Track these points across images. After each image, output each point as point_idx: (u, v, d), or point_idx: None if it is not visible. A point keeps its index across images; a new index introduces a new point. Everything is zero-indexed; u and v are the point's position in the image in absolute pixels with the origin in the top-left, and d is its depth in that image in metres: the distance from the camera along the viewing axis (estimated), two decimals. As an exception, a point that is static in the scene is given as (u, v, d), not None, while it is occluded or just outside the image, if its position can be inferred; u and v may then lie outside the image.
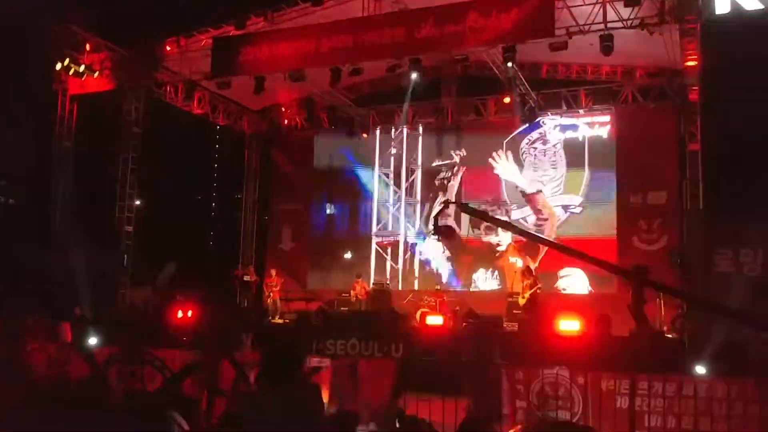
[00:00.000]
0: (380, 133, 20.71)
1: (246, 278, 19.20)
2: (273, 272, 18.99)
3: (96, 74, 17.39)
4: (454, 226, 18.49)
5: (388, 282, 19.30)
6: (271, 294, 18.40)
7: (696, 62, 13.86)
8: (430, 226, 19.16)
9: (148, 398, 6.34)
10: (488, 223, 18.28)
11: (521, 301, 15.67)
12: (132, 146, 18.11)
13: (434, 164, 20.01)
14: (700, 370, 9.74)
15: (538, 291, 15.62)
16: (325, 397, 9.61)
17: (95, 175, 19.20)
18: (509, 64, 15.59)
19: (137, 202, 18.87)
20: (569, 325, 13.00)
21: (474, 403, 9.10)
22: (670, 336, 13.92)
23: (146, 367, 10.18)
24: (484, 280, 18.88)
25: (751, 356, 10.03)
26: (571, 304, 16.20)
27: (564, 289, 17.72)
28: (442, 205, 17.72)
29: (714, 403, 8.16)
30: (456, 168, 19.68)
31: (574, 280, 17.67)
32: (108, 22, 18.24)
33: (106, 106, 18.41)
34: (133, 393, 7.04)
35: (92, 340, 12.91)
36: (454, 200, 18.04)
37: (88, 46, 17.01)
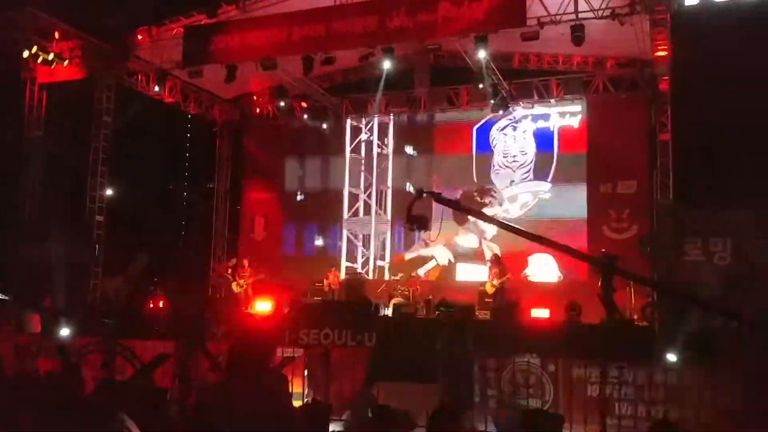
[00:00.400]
0: (352, 122, 20.65)
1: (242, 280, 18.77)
2: (245, 262, 18.90)
3: (66, 63, 17.12)
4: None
5: (361, 271, 19.33)
6: (245, 284, 18.30)
7: (666, 53, 14.00)
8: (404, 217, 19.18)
9: (119, 389, 6.30)
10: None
11: (489, 289, 15.80)
12: (103, 135, 17.88)
13: (407, 153, 20.01)
14: (672, 358, 9.89)
15: (506, 280, 15.77)
16: (298, 386, 9.62)
17: (66, 165, 18.91)
18: (481, 54, 15.61)
19: (109, 192, 18.67)
20: (539, 313, 13.14)
21: (447, 392, 9.17)
22: (640, 324, 14.08)
23: (117, 358, 10.14)
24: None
25: (720, 345, 10.19)
26: (541, 292, 16.35)
27: (533, 276, 17.83)
28: (416, 194, 17.69)
29: (684, 391, 8.30)
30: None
31: (544, 269, 17.80)
32: (78, 10, 17.91)
33: (76, 95, 18.14)
34: (105, 385, 7.00)
35: (63, 331, 12.79)
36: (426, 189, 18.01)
37: (57, 34, 16.74)
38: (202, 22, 17.05)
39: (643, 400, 8.21)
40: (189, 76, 17.95)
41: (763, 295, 10.81)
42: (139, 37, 17.77)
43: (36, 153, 18.43)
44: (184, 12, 17.35)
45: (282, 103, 19.94)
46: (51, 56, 16.65)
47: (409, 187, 19.34)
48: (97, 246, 17.67)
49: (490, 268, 16.24)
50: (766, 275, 11.84)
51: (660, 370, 8.39)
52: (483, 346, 10.27)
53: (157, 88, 18.64)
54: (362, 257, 20.07)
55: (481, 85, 17.32)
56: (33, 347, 11.01)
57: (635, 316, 14.42)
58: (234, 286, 18.19)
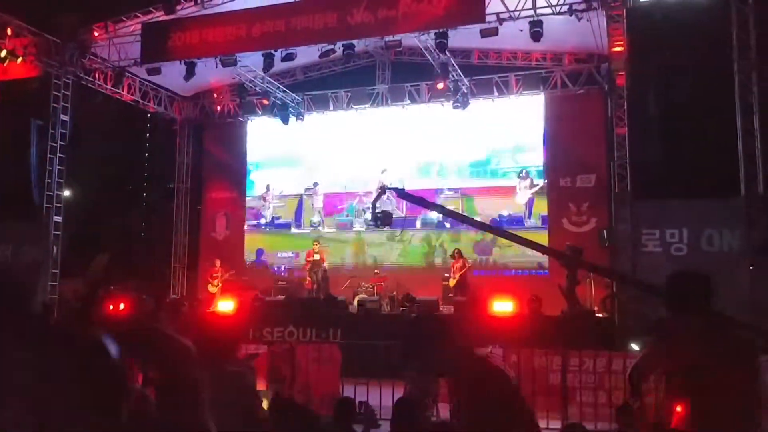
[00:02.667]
0: (314, 118, 20.61)
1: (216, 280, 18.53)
2: (218, 262, 18.76)
3: (19, 60, 16.79)
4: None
5: (325, 269, 19.27)
6: (219, 284, 18.17)
7: (622, 48, 14.23)
8: (368, 214, 19.21)
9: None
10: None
11: (451, 283, 15.96)
12: (60, 134, 17.59)
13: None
14: (635, 346, 10.08)
15: (467, 271, 15.94)
16: (262, 383, 9.59)
17: (21, 165, 18.53)
18: (441, 50, 15.71)
19: (66, 193, 18.38)
20: (502, 306, 13.28)
21: (412, 385, 9.22)
22: (600, 315, 14.34)
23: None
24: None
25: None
26: (503, 285, 16.52)
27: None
28: (379, 190, 17.75)
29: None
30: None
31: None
32: (32, 6, 17.59)
33: (31, 93, 17.78)
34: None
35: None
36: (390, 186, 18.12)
37: (9, 31, 16.38)
38: (160, 19, 16.87)
39: (603, 388, 8.36)
40: (147, 73, 17.75)
41: (717, 283, 11.06)
42: (96, 33, 17.52)
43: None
44: (141, 8, 17.14)
45: (242, 101, 19.81)
46: (3, 53, 16.31)
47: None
48: (54, 247, 17.36)
49: (452, 263, 16.37)
50: (720, 264, 12.14)
51: (619, 358, 8.55)
52: (446, 339, 10.33)
53: (114, 86, 18.41)
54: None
55: (441, 82, 17.42)
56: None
57: (595, 308, 14.68)
58: (209, 287, 18.07)
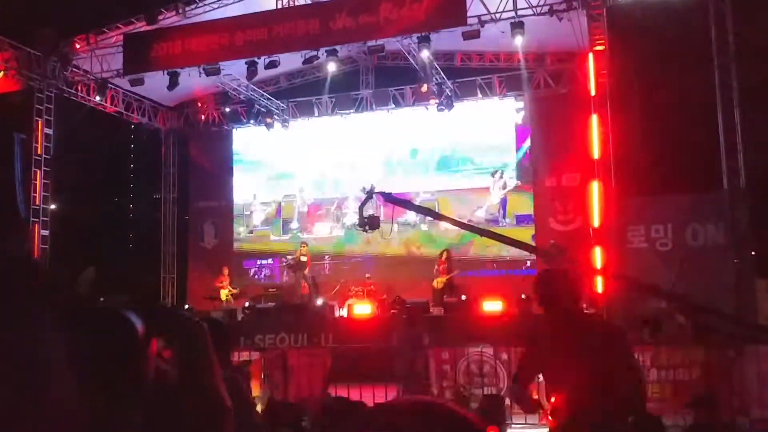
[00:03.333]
0: (299, 125, 20.65)
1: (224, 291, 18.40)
2: (225, 270, 18.67)
3: (0, 74, 16.75)
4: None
5: (314, 276, 19.26)
6: (229, 291, 18.10)
7: (603, 46, 14.38)
8: (355, 219, 19.24)
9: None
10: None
11: (438, 285, 16.02)
12: (44, 148, 17.53)
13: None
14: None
15: (454, 275, 16.00)
16: (256, 389, 9.61)
17: (6, 178, 18.48)
18: (424, 54, 15.80)
19: (52, 206, 18.32)
20: (492, 306, 13.37)
21: (404, 387, 9.28)
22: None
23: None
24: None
25: (664, 325, 10.53)
26: (491, 285, 16.61)
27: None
28: (366, 194, 17.76)
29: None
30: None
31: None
32: (12, 20, 17.56)
33: (14, 106, 17.73)
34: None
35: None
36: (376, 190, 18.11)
37: (-10, 45, 16.37)
38: (142, 29, 16.87)
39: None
40: (130, 84, 17.74)
41: (702, 278, 11.22)
42: (77, 45, 17.51)
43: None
44: (122, 19, 17.13)
45: (227, 109, 19.83)
46: (-15, 68, 16.27)
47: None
48: (42, 261, 17.29)
49: (438, 264, 16.42)
50: (705, 258, 12.28)
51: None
52: (437, 340, 10.41)
53: (98, 98, 18.40)
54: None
55: (425, 86, 17.50)
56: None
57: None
58: (223, 295, 18.02)
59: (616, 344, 3.88)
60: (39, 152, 17.43)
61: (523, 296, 14.05)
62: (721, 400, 7.28)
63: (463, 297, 15.57)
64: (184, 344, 1.11)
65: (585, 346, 3.73)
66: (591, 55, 14.83)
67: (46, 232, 17.48)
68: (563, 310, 3.92)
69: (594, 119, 14.63)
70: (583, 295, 4.09)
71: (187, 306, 18.51)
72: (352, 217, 19.09)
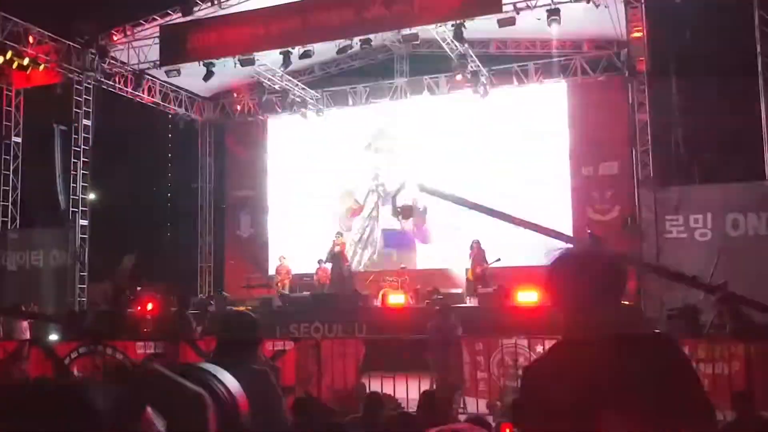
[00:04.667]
0: (333, 114, 20.66)
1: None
2: (283, 260, 18.76)
3: (41, 67, 17.00)
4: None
5: (350, 264, 19.26)
6: (281, 282, 18.21)
7: (641, 33, 14.11)
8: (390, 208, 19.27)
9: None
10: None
11: (471, 276, 15.92)
12: (83, 139, 17.79)
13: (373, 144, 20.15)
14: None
15: (488, 266, 15.85)
16: (291, 379, 9.67)
17: (47, 170, 18.81)
18: (459, 42, 15.66)
19: (92, 196, 18.61)
20: (527, 296, 13.26)
21: (438, 378, 9.26)
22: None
23: (108, 360, 10.15)
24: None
25: (702, 317, 10.35)
26: (528, 275, 16.45)
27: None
28: (400, 185, 17.77)
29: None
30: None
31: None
32: (51, 13, 17.81)
33: (54, 98, 18.03)
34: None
35: (52, 337, 12.78)
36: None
37: (31, 39, 16.60)
38: (178, 20, 16.99)
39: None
40: (167, 75, 17.90)
41: (742, 269, 10.98)
42: (115, 37, 17.71)
43: (16, 159, 18.40)
44: (158, 10, 17.28)
45: (262, 99, 19.92)
46: (26, 61, 16.49)
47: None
48: (82, 250, 17.59)
49: (472, 254, 16.32)
50: (746, 248, 12.02)
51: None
52: (471, 331, 10.37)
53: (135, 89, 18.61)
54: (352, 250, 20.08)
55: (460, 74, 17.38)
56: (23, 353, 10.97)
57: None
58: (274, 285, 18.17)
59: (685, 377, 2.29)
60: (78, 143, 17.68)
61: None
62: (761, 395, 7.13)
63: (497, 287, 15.45)
64: (178, 421, 0.93)
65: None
66: (629, 43, 14.55)
67: (85, 222, 17.75)
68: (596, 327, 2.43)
69: (632, 107, 14.37)
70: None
71: (224, 294, 18.67)
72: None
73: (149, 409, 1.03)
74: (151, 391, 0.96)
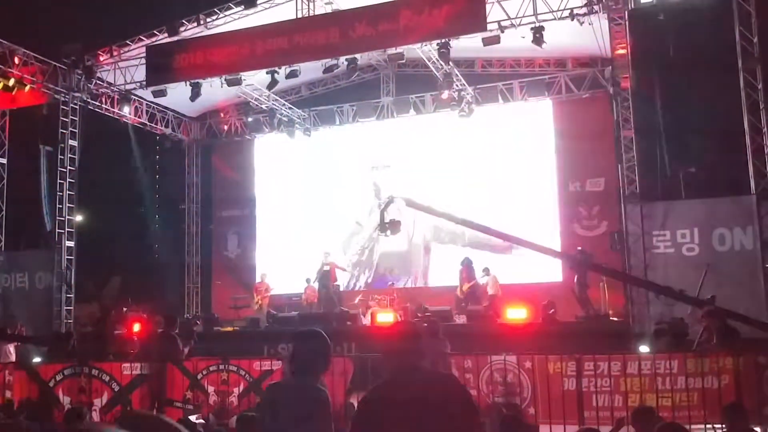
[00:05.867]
0: (321, 133, 20.68)
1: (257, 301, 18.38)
2: (264, 277, 18.73)
3: (27, 88, 16.93)
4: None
5: (337, 284, 19.20)
6: (260, 300, 18.10)
7: (625, 50, 14.21)
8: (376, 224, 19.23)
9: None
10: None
11: (460, 294, 15.93)
12: (69, 159, 17.71)
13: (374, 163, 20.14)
14: (644, 348, 10.00)
15: (475, 283, 15.88)
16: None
17: (33, 191, 18.70)
18: (444, 61, 15.73)
19: (78, 218, 18.50)
20: (516, 313, 13.25)
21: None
22: (614, 319, 14.25)
23: (94, 382, 10.03)
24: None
25: (690, 331, 10.36)
26: (516, 292, 16.46)
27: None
28: (387, 200, 17.74)
29: (658, 378, 8.38)
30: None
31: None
32: (37, 34, 17.82)
33: (39, 119, 17.96)
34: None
35: (36, 359, 12.62)
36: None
37: (16, 59, 16.55)
38: (164, 41, 17.00)
39: (619, 391, 8.29)
40: (153, 95, 17.87)
41: (730, 283, 11.03)
42: (101, 58, 17.70)
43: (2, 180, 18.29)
44: (145, 31, 17.29)
45: (249, 119, 19.92)
46: (12, 82, 16.42)
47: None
48: (68, 272, 17.45)
49: (461, 272, 16.32)
50: (733, 263, 12.08)
51: (634, 360, 8.48)
52: (460, 348, 10.31)
53: (122, 110, 18.58)
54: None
55: (445, 92, 17.45)
56: (6, 377, 10.83)
57: (610, 311, 14.59)
58: (252, 304, 18.08)
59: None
60: (64, 164, 17.60)
61: (547, 303, 13.92)
62: (750, 409, 7.11)
63: (487, 304, 15.46)
64: None
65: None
66: (613, 60, 14.66)
67: (71, 243, 17.63)
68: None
69: (617, 123, 14.44)
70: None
71: (214, 314, 18.57)
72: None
73: None
74: None
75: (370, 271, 19.90)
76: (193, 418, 8.34)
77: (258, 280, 18.79)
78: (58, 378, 10.22)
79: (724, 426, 6.20)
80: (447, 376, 3.57)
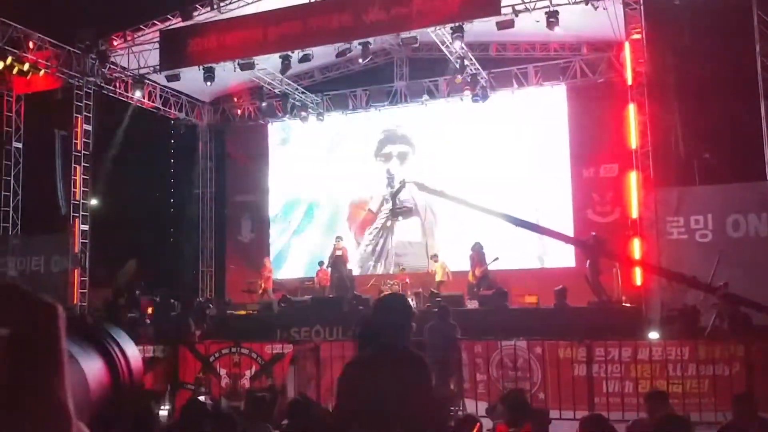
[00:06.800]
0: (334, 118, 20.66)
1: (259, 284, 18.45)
2: (267, 261, 18.85)
3: (42, 72, 17.03)
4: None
5: (350, 268, 19.26)
6: (262, 284, 18.20)
7: (640, 35, 14.09)
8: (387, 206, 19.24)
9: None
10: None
11: (471, 279, 15.92)
12: (83, 144, 17.81)
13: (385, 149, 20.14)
14: (653, 335, 9.98)
15: (486, 268, 15.85)
16: (290, 382, 9.66)
17: (47, 175, 18.85)
18: (458, 45, 15.65)
19: (93, 201, 18.61)
20: (527, 299, 13.25)
21: (437, 379, 9.22)
22: (627, 305, 14.21)
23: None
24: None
25: (703, 318, 10.32)
26: (528, 278, 16.45)
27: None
28: (400, 184, 17.76)
29: (669, 365, 8.38)
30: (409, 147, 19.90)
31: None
32: (51, 19, 17.86)
33: (54, 104, 18.06)
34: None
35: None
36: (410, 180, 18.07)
37: (31, 44, 16.63)
38: (178, 25, 17.02)
39: (629, 377, 8.30)
40: (167, 80, 17.91)
41: (743, 270, 10.95)
42: (115, 42, 17.74)
43: (17, 165, 18.42)
44: (158, 15, 17.30)
45: (263, 104, 19.94)
46: (26, 67, 16.52)
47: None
48: (83, 255, 17.60)
49: (472, 257, 16.30)
50: (747, 249, 11.99)
51: (645, 347, 8.47)
52: (471, 333, 10.34)
53: (136, 94, 18.64)
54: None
55: (459, 77, 17.38)
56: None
57: (623, 297, 14.56)
58: (256, 287, 18.19)
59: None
60: (79, 148, 17.70)
61: (558, 289, 13.89)
62: (762, 396, 7.09)
63: (499, 289, 15.43)
64: (21, 333, 0.83)
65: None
66: (627, 44, 14.54)
67: (86, 227, 17.77)
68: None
69: (631, 109, 14.35)
70: None
71: (229, 299, 18.72)
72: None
73: None
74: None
75: (385, 260, 19.88)
76: (203, 398, 8.43)
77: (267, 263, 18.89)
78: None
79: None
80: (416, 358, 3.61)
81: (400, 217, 10.85)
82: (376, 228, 20.07)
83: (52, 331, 0.87)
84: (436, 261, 17.10)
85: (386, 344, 3.52)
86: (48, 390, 0.83)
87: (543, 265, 17.85)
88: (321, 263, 18.33)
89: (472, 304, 15.12)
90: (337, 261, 17.64)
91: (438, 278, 16.67)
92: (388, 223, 19.69)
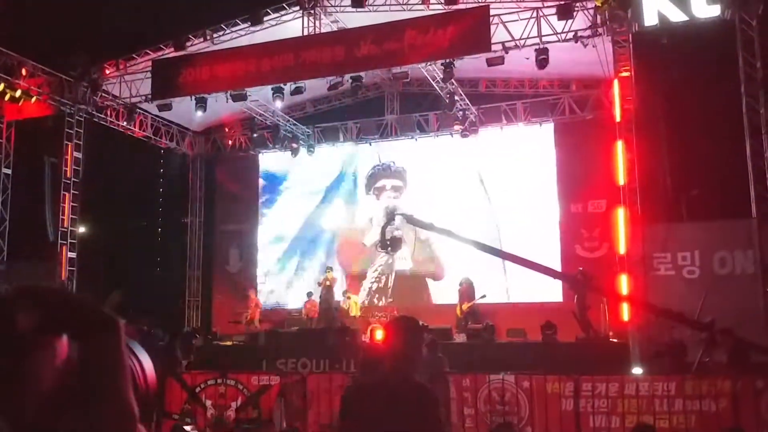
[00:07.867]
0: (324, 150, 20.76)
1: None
2: (251, 293, 18.79)
3: (33, 99, 17.05)
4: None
5: (338, 300, 19.20)
6: (248, 315, 18.10)
7: (629, 73, 14.29)
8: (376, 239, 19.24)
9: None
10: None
11: (459, 313, 15.93)
12: (73, 171, 17.78)
13: (379, 183, 20.19)
14: (637, 370, 9.99)
15: (474, 303, 15.88)
16: (275, 414, 9.58)
17: (35, 203, 18.78)
18: (448, 81, 15.82)
19: (81, 229, 18.54)
20: (515, 333, 13.24)
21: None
22: (614, 340, 14.22)
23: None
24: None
25: (689, 354, 10.34)
26: (516, 312, 16.45)
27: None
28: (388, 216, 17.81)
29: (655, 400, 8.38)
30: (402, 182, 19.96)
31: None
32: (44, 46, 17.94)
33: (44, 131, 18.06)
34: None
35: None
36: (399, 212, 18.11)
37: (24, 71, 16.68)
38: (171, 55, 17.13)
39: (616, 412, 8.29)
40: (158, 109, 17.97)
41: (730, 306, 11.00)
42: (107, 70, 17.82)
43: (5, 191, 18.34)
44: (151, 45, 17.42)
45: (254, 135, 20.01)
46: (18, 93, 16.54)
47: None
48: (70, 284, 17.47)
49: (461, 292, 16.32)
50: (734, 286, 12.05)
51: (632, 382, 8.48)
52: (459, 367, 10.32)
53: (126, 123, 18.67)
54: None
55: (449, 113, 17.54)
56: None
57: (610, 333, 14.57)
58: (242, 318, 18.10)
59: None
60: (68, 176, 17.67)
61: (546, 324, 13.90)
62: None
63: (487, 323, 15.43)
64: (91, 342, 0.97)
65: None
66: (616, 82, 14.71)
67: (73, 255, 17.68)
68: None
69: (619, 145, 14.48)
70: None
71: (215, 331, 18.59)
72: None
73: (64, 336, 1.11)
74: (66, 314, 1.04)
75: (387, 296, 19.79)
76: (188, 429, 8.35)
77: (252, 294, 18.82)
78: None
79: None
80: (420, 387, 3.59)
81: (389, 249, 10.85)
82: (380, 265, 20.01)
83: (117, 341, 1.01)
84: (348, 298, 17.70)
85: (396, 370, 3.53)
86: (116, 392, 0.95)
87: (531, 300, 17.84)
88: (309, 294, 18.29)
89: (460, 338, 15.10)
90: (327, 292, 17.61)
91: (352, 313, 17.30)
92: (390, 261, 19.65)
